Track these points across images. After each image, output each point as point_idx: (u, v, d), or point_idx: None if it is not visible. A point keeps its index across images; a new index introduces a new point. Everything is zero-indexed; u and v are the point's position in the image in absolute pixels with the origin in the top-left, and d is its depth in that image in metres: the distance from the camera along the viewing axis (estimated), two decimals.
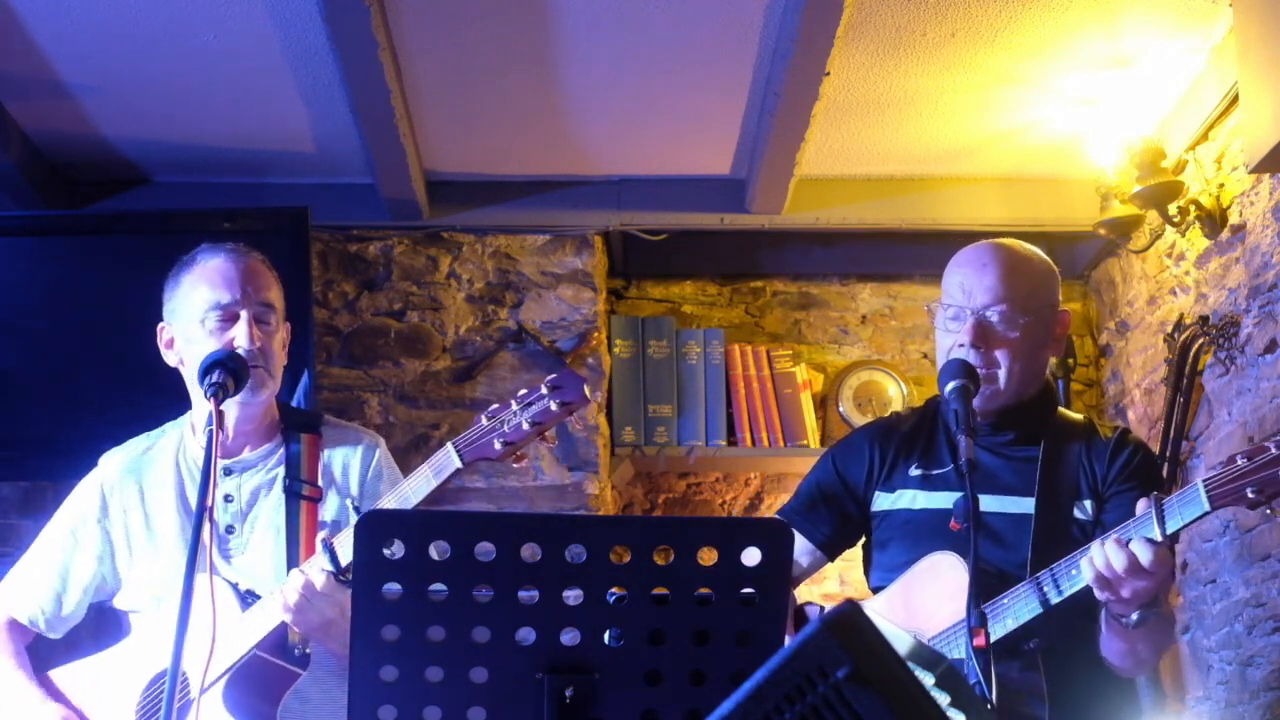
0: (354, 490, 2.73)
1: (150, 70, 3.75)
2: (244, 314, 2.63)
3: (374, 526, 1.81)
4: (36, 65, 3.70)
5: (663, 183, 4.45)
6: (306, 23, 3.49)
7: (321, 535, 2.51)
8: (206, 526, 2.28)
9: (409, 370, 4.43)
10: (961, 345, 2.58)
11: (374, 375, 4.43)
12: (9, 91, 3.86)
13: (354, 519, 2.46)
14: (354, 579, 1.83)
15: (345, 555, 2.43)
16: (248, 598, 2.57)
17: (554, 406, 2.36)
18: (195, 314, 2.64)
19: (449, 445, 2.45)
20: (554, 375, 2.41)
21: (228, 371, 2.46)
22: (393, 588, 1.79)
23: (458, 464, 2.43)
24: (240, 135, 4.13)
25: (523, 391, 2.41)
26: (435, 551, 1.81)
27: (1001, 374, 2.60)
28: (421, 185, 4.29)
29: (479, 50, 3.66)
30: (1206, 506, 2.24)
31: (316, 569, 2.46)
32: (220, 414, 2.39)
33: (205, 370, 2.46)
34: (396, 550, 1.79)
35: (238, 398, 2.60)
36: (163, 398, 2.86)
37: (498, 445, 2.39)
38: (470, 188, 4.45)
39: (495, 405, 2.42)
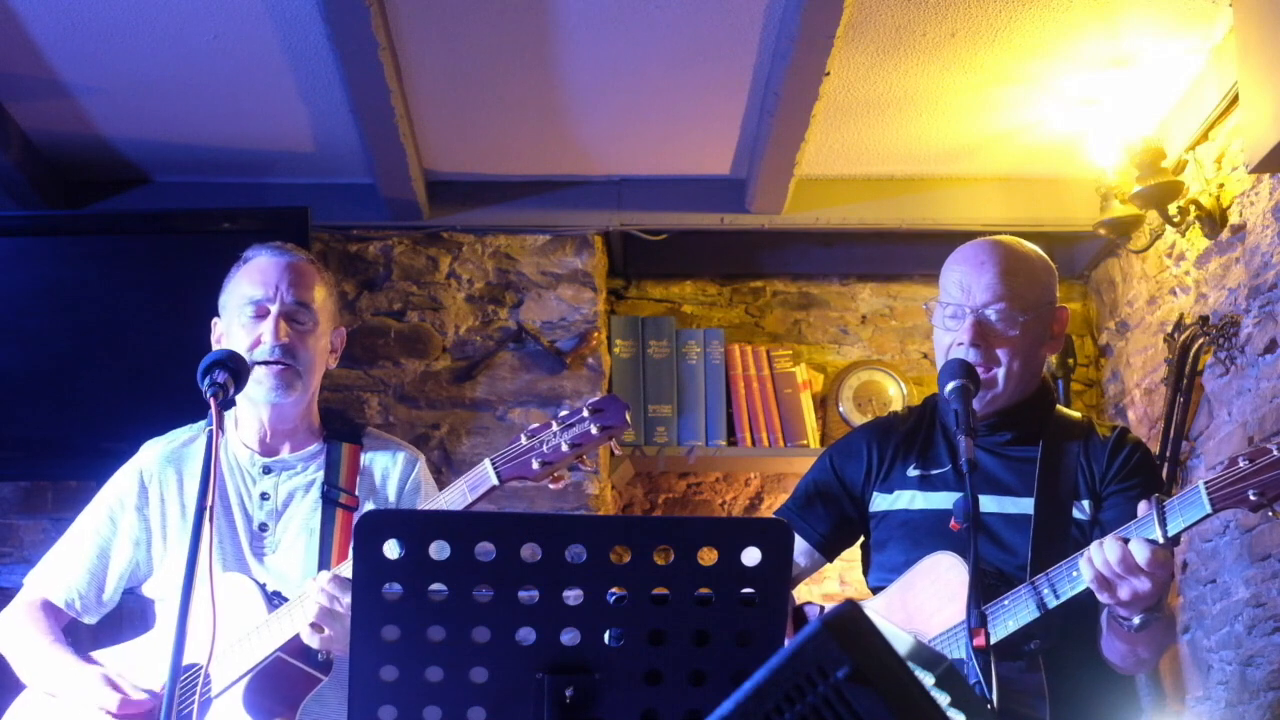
0: (391, 500, 2.75)
1: (150, 70, 3.75)
2: (273, 310, 2.66)
3: (374, 526, 1.81)
4: (36, 65, 3.70)
5: (663, 183, 4.45)
6: (306, 23, 3.49)
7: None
8: (207, 526, 2.27)
9: (409, 370, 4.43)
10: (961, 344, 2.57)
11: (374, 375, 4.43)
12: (9, 91, 3.86)
13: None
14: (354, 579, 1.83)
15: None
16: (274, 599, 2.58)
17: (595, 430, 2.37)
18: (237, 312, 2.70)
19: (486, 462, 2.46)
20: (597, 398, 2.43)
21: (228, 371, 2.46)
22: (393, 588, 1.79)
23: (494, 481, 2.44)
24: (240, 135, 4.14)
25: (564, 412, 2.42)
26: (435, 551, 1.81)
27: (1001, 373, 2.59)
28: (421, 185, 4.29)
29: (479, 50, 3.66)
30: (1208, 509, 2.23)
31: (337, 574, 2.46)
32: (220, 414, 2.39)
33: (205, 370, 2.46)
34: (396, 550, 1.79)
35: (264, 396, 2.65)
36: (163, 397, 2.86)
37: (536, 465, 2.40)
38: (470, 188, 4.46)
39: (535, 425, 2.43)
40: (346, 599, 2.42)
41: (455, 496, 2.48)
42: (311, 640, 2.47)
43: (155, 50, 3.65)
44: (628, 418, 2.39)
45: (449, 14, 3.49)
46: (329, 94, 3.84)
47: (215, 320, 2.78)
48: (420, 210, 4.37)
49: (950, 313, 2.61)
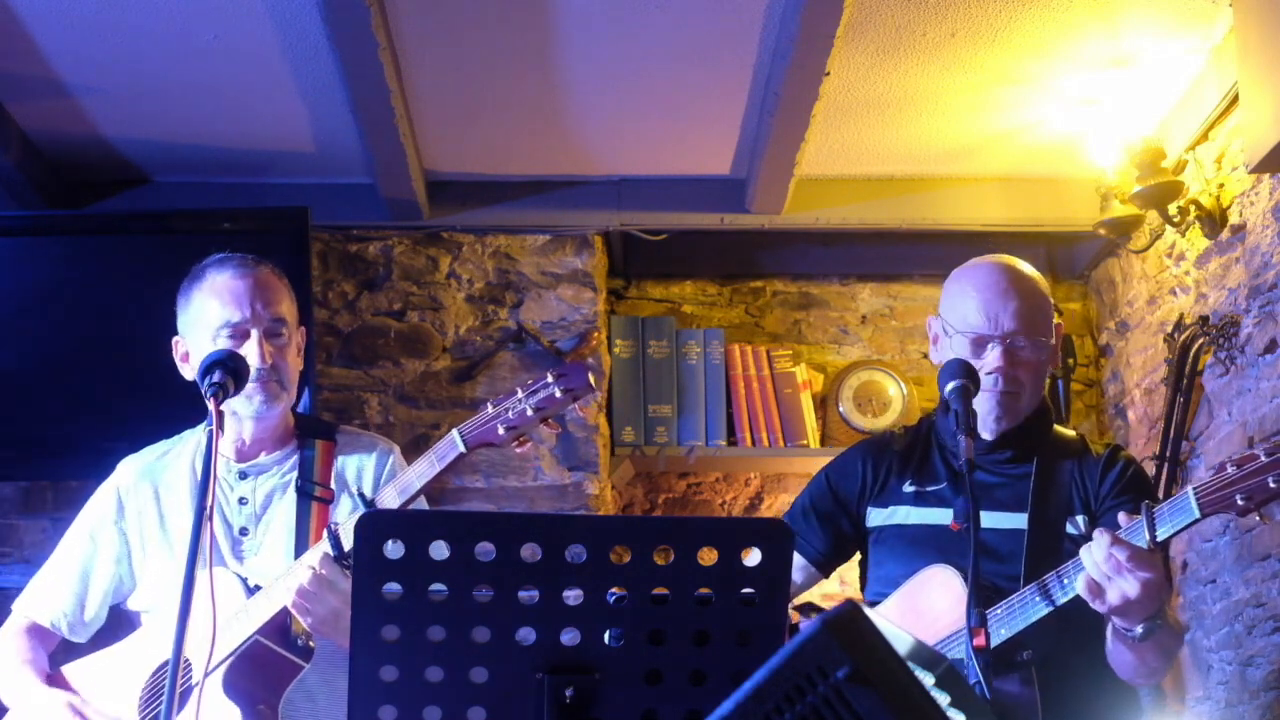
0: (368, 495, 2.74)
1: (150, 70, 3.75)
2: (254, 332, 2.66)
3: (374, 526, 1.81)
4: (36, 65, 3.70)
5: (663, 183, 4.45)
6: (306, 23, 3.49)
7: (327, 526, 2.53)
8: (207, 526, 2.28)
9: (409, 370, 4.43)
10: (990, 373, 2.58)
11: (374, 375, 4.43)
12: (9, 91, 3.86)
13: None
14: (354, 579, 1.83)
15: (349, 540, 2.45)
16: (255, 590, 2.59)
17: (558, 394, 2.39)
18: (207, 332, 2.68)
19: (454, 431, 2.48)
20: (561, 365, 2.46)
21: (227, 371, 2.46)
22: (393, 588, 1.79)
23: (461, 448, 2.46)
24: (240, 135, 4.13)
25: (529, 381, 2.44)
26: (435, 551, 1.81)
27: (1026, 395, 2.64)
28: (421, 185, 4.29)
29: (479, 50, 3.66)
30: (1196, 514, 2.26)
31: (318, 554, 2.48)
32: (220, 414, 2.40)
33: (205, 370, 2.47)
34: (396, 550, 1.79)
35: (253, 411, 2.67)
36: (163, 397, 2.86)
37: (501, 430, 2.43)
38: (470, 188, 4.45)
39: (503, 395, 2.46)
40: (339, 581, 2.44)
41: (424, 467, 2.50)
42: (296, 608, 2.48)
43: (155, 50, 3.64)
44: (592, 380, 2.42)
45: (449, 14, 3.49)
46: (329, 94, 3.84)
47: (176, 340, 2.75)
48: (420, 210, 4.37)
49: (973, 339, 2.62)
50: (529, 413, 2.41)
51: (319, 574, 2.46)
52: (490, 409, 2.45)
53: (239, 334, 2.66)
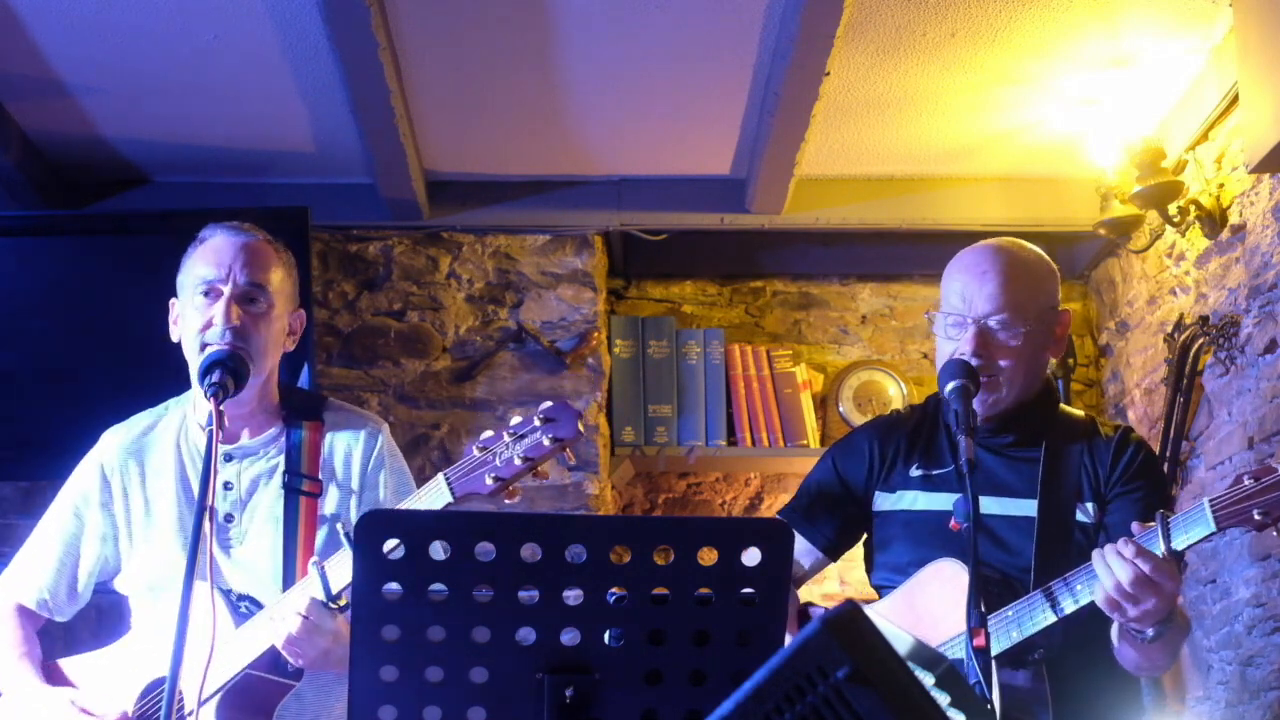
0: (355, 482, 2.70)
1: (150, 70, 3.75)
2: (225, 291, 2.59)
3: (374, 527, 1.81)
4: (36, 65, 3.70)
5: (663, 183, 4.45)
6: (306, 23, 3.49)
7: (313, 561, 2.49)
8: (205, 530, 2.26)
9: (409, 370, 4.43)
10: (963, 354, 2.55)
11: (374, 375, 4.43)
12: (9, 91, 3.86)
13: (351, 525, 2.43)
14: (354, 579, 1.83)
15: (337, 580, 2.42)
16: (240, 603, 2.56)
17: (546, 442, 2.32)
18: (190, 292, 2.63)
19: (440, 477, 2.42)
20: (548, 405, 2.35)
21: (228, 371, 2.45)
22: (393, 588, 1.79)
23: (448, 498, 2.40)
24: (240, 135, 4.14)
25: (515, 420, 2.36)
26: (435, 551, 1.80)
27: (1004, 380, 2.58)
28: (421, 185, 4.29)
29: (479, 50, 3.66)
30: (1213, 527, 2.26)
31: (307, 598, 2.43)
32: (221, 415, 2.37)
33: (205, 370, 2.45)
34: (396, 550, 1.79)
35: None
36: (163, 397, 2.85)
37: (489, 481, 2.36)
38: (470, 188, 4.46)
39: (488, 434, 2.38)
40: (326, 623, 2.41)
41: None
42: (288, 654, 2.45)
43: (155, 50, 3.65)
44: (580, 427, 2.33)
45: (449, 14, 3.49)
46: (329, 94, 3.84)
47: (172, 301, 2.71)
48: (420, 210, 4.37)
49: (952, 322, 2.59)
50: (517, 462, 2.33)
51: (308, 621, 2.41)
52: (476, 452, 2.37)
53: (213, 293, 2.60)
